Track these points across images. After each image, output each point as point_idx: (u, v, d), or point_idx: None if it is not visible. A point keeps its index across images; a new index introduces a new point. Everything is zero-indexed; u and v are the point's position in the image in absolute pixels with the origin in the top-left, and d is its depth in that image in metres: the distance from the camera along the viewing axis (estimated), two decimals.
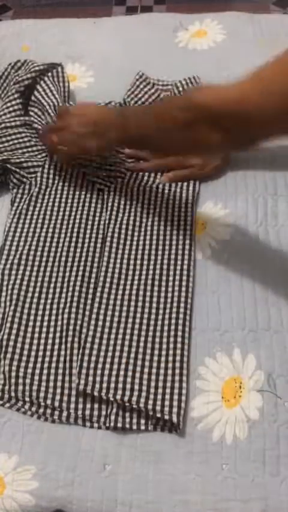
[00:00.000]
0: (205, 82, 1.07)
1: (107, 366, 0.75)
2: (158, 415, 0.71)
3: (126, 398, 0.72)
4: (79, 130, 0.88)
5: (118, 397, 0.72)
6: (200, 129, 0.71)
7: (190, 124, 0.71)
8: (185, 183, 0.95)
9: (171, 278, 0.84)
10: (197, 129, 0.71)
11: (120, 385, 0.73)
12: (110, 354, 0.77)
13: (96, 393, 0.73)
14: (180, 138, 0.75)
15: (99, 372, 0.75)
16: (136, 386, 0.73)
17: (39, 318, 0.81)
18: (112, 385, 0.74)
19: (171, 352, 0.76)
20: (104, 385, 0.74)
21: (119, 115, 0.87)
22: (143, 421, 0.72)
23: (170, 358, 0.76)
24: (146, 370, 0.75)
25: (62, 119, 0.93)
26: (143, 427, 0.71)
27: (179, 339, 0.77)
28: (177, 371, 0.74)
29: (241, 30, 1.23)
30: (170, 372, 0.75)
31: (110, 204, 0.92)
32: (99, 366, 0.75)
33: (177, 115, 0.73)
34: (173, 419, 0.70)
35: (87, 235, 0.89)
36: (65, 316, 0.80)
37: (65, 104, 1.02)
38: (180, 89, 1.06)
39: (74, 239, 0.89)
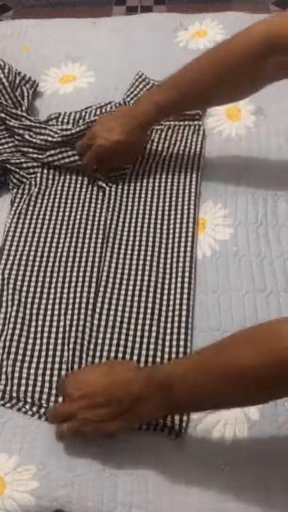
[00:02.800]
0: None
1: None
2: (161, 420, 0.71)
3: None
4: (91, 416, 0.65)
5: None
6: None
7: None
8: (185, 183, 0.95)
9: (172, 278, 0.84)
10: None
11: None
12: (111, 357, 0.76)
13: None
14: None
15: None
16: None
17: (41, 318, 0.81)
18: None
19: (173, 355, 0.76)
20: None
21: (159, 379, 0.62)
22: None
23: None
24: None
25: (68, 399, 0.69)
26: (144, 427, 0.71)
27: (182, 342, 0.77)
28: None
29: (241, 30, 1.23)
30: None
31: (110, 204, 0.92)
32: None
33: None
34: (175, 426, 0.70)
35: (87, 235, 0.89)
36: (68, 317, 0.80)
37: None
38: None
39: (74, 239, 0.89)
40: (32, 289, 0.84)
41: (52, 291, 0.84)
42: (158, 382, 0.62)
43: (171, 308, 0.81)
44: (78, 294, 0.82)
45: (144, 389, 0.63)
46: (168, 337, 0.78)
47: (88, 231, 0.90)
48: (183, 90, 0.86)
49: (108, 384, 0.65)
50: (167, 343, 0.77)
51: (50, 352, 0.78)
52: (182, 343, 0.77)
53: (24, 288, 0.84)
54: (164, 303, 0.81)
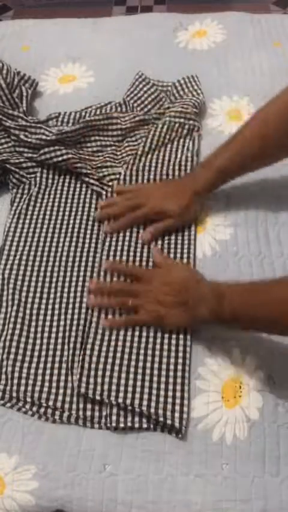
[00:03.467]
0: (205, 83, 1.08)
1: (108, 367, 0.75)
2: (161, 419, 0.71)
3: (128, 401, 0.72)
4: (164, 299, 0.77)
5: (120, 400, 0.72)
6: None
7: None
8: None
9: None
10: None
11: (121, 388, 0.73)
12: (111, 356, 0.76)
13: (98, 397, 0.72)
14: None
15: (100, 373, 0.75)
16: (138, 389, 0.73)
17: (41, 318, 0.81)
18: (114, 387, 0.73)
19: (173, 354, 0.76)
20: (106, 387, 0.73)
21: (214, 290, 0.74)
22: (144, 420, 0.72)
23: (172, 361, 0.75)
24: (148, 372, 0.75)
25: (141, 282, 0.80)
26: (144, 425, 0.71)
27: (181, 342, 0.77)
28: (179, 373, 0.74)
29: (241, 30, 1.23)
30: (171, 374, 0.74)
31: None
32: (100, 367, 0.75)
33: None
34: (176, 424, 0.70)
35: (88, 235, 0.89)
36: (68, 317, 0.80)
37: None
38: (179, 88, 1.06)
39: (74, 239, 0.89)
40: (32, 289, 0.84)
41: (52, 291, 0.84)
42: (220, 292, 0.73)
43: None
44: (78, 294, 0.82)
45: (207, 293, 0.74)
46: (167, 334, 0.78)
47: (88, 231, 0.90)
48: (240, 151, 0.85)
49: (185, 279, 0.78)
50: (166, 341, 0.77)
51: (50, 352, 0.78)
52: (181, 336, 0.77)
53: (24, 288, 0.84)
54: None
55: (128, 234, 0.88)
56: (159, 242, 0.87)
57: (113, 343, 0.77)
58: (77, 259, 0.86)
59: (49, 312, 0.82)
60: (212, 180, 0.87)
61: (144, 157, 0.98)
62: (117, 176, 0.95)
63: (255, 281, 0.78)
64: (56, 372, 0.76)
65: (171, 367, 0.75)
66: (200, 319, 0.75)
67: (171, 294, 0.77)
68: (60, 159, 0.95)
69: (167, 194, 0.89)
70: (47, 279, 0.85)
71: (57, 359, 0.77)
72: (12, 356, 0.77)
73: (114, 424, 0.71)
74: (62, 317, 0.81)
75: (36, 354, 0.78)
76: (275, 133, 0.83)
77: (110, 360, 0.76)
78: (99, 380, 0.74)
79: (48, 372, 0.76)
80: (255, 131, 0.85)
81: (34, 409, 0.74)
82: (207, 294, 0.74)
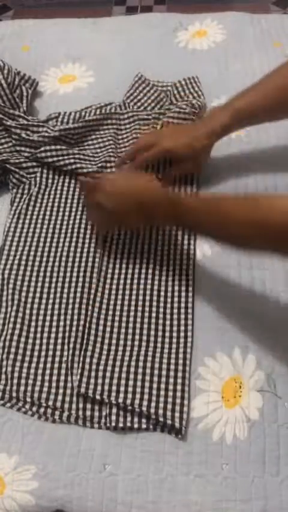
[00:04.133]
0: (205, 83, 1.08)
1: (109, 368, 0.75)
2: (161, 418, 0.71)
3: (128, 401, 0.72)
4: (119, 208, 0.80)
5: (120, 400, 0.72)
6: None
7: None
8: (182, 182, 0.94)
9: (172, 279, 0.84)
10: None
11: (122, 388, 0.73)
12: (111, 356, 0.77)
13: (98, 396, 0.73)
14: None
15: (100, 373, 0.75)
16: (138, 389, 0.73)
17: (40, 318, 0.81)
18: (114, 387, 0.73)
19: (173, 355, 0.76)
20: (106, 387, 0.73)
21: (171, 201, 0.77)
22: (144, 420, 0.72)
23: (172, 361, 0.76)
24: (148, 371, 0.75)
25: (92, 194, 0.84)
26: (144, 426, 0.71)
27: (181, 340, 0.77)
28: (179, 374, 0.74)
29: (241, 30, 1.23)
30: (172, 374, 0.74)
31: None
32: (101, 367, 0.75)
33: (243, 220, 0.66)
34: (176, 424, 0.70)
35: (87, 235, 0.89)
36: (68, 317, 0.80)
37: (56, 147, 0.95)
38: (180, 89, 1.06)
39: (74, 239, 0.89)
40: (32, 289, 0.84)
41: (52, 291, 0.84)
42: (176, 200, 0.76)
43: (170, 306, 0.81)
44: (78, 294, 0.82)
45: (162, 201, 0.77)
46: (168, 333, 0.78)
47: (88, 231, 0.90)
48: (262, 95, 0.86)
49: (137, 187, 0.81)
50: (167, 340, 0.77)
51: (50, 352, 0.78)
52: (182, 340, 0.77)
53: (24, 288, 0.84)
54: (162, 301, 0.81)
55: (128, 234, 0.88)
56: (159, 242, 0.87)
57: (113, 343, 0.77)
58: (77, 259, 0.86)
59: (49, 312, 0.82)
60: (228, 122, 0.87)
61: None
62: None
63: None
64: (56, 371, 0.76)
65: (172, 367, 0.75)
66: (155, 223, 0.83)
67: (124, 204, 0.80)
68: (60, 159, 0.95)
69: (179, 134, 0.90)
70: (47, 279, 0.85)
71: (57, 359, 0.77)
72: (12, 356, 0.77)
73: (114, 424, 0.71)
74: (62, 317, 0.81)
75: (36, 354, 0.78)
76: None
77: (110, 361, 0.76)
78: (99, 380, 0.74)
79: (48, 371, 0.76)
80: (278, 83, 0.85)
81: (34, 409, 0.74)
82: (163, 204, 0.77)
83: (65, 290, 0.83)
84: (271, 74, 0.87)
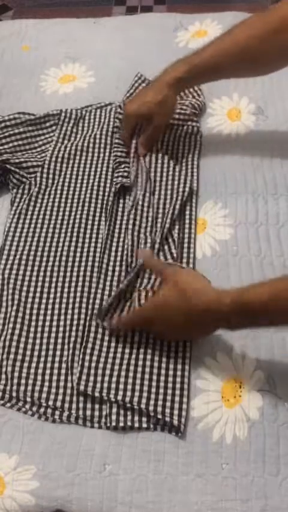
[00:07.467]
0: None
1: (108, 366, 0.75)
2: (159, 416, 0.71)
3: (127, 399, 0.72)
4: (176, 319, 0.72)
5: (119, 398, 0.72)
6: None
7: None
8: (183, 184, 0.94)
9: None
10: None
11: (121, 386, 0.73)
12: (111, 354, 0.77)
13: (97, 394, 0.73)
14: None
15: (100, 371, 0.75)
16: (137, 387, 0.73)
17: (41, 318, 0.81)
18: (113, 385, 0.73)
19: (172, 354, 0.76)
20: (105, 384, 0.74)
21: (235, 302, 0.68)
22: (144, 419, 0.72)
23: (172, 360, 0.76)
24: (148, 370, 0.75)
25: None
26: (144, 425, 0.71)
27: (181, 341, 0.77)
28: (178, 372, 0.74)
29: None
30: (171, 372, 0.75)
31: (110, 204, 0.92)
32: (100, 365, 0.75)
33: None
34: (174, 422, 0.70)
35: (87, 235, 0.89)
36: (68, 317, 0.80)
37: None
38: None
39: (74, 239, 0.89)
40: (32, 289, 0.84)
41: (52, 290, 0.84)
42: (236, 301, 0.68)
43: None
44: (78, 294, 0.82)
45: (226, 307, 0.68)
46: None
47: (88, 231, 0.90)
48: (223, 51, 0.88)
49: (202, 301, 0.70)
50: (165, 344, 0.77)
51: (50, 352, 0.78)
52: (180, 348, 0.77)
53: (24, 288, 0.84)
54: None
55: (129, 234, 0.88)
56: (158, 242, 0.87)
57: (113, 342, 0.78)
58: (77, 259, 0.87)
59: (49, 312, 0.82)
60: (183, 75, 0.90)
61: (147, 158, 0.98)
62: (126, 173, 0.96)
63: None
64: (56, 371, 0.76)
65: (171, 365, 0.75)
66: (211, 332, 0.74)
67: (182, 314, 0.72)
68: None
69: (143, 96, 0.94)
70: (47, 279, 0.85)
71: (57, 359, 0.77)
72: (12, 356, 0.77)
73: (114, 424, 0.71)
74: (62, 317, 0.81)
75: (36, 353, 0.78)
76: (258, 46, 0.84)
77: (110, 359, 0.76)
78: (98, 378, 0.74)
79: (48, 371, 0.76)
80: (238, 38, 0.86)
81: (34, 409, 0.74)
82: (226, 308, 0.68)
83: (65, 290, 0.83)
84: (231, 30, 0.88)
